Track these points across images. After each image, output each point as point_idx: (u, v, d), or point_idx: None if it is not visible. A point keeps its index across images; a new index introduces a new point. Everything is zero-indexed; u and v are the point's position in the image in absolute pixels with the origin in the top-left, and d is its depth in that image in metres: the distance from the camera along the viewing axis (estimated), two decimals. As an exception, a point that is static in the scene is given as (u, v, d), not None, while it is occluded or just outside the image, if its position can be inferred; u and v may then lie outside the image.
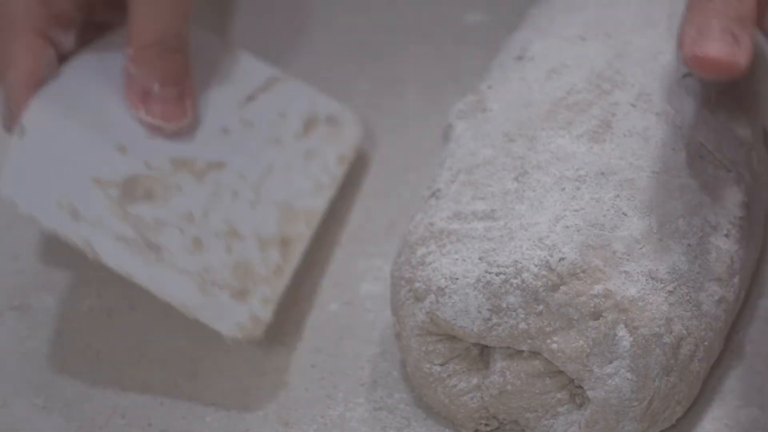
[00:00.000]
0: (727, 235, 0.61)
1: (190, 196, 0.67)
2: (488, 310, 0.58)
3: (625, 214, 0.59)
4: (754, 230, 0.64)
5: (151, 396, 0.64)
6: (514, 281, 0.57)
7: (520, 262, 0.58)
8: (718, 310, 0.60)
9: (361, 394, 0.63)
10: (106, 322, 0.68)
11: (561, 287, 0.57)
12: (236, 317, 0.63)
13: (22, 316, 0.69)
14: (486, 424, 0.61)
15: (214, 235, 0.66)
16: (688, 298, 0.58)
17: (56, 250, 0.72)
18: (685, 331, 0.58)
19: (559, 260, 0.57)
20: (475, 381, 0.60)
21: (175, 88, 0.69)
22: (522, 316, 0.57)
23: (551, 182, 0.60)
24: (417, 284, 0.60)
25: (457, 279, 0.58)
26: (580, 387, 0.58)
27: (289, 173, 0.71)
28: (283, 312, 0.68)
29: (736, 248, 0.61)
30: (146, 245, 0.64)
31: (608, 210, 0.59)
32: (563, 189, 0.60)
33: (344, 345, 0.66)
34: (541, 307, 0.57)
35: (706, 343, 0.59)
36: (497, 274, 0.58)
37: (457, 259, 0.59)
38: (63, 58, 0.68)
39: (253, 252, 0.66)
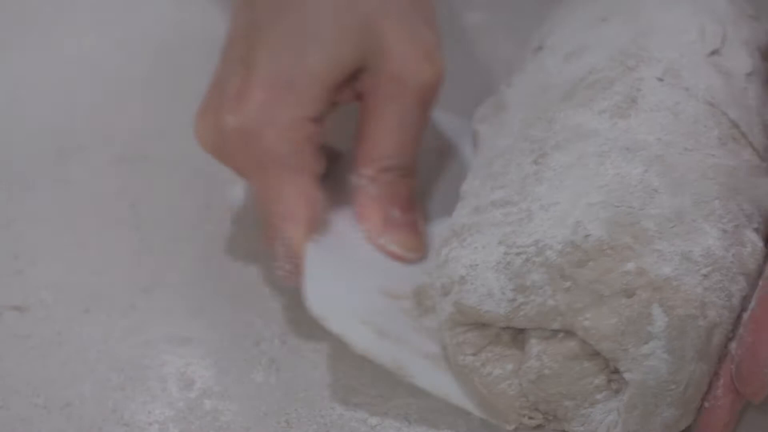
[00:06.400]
0: (757, 230, 0.57)
1: None
2: (512, 290, 0.56)
3: (656, 191, 0.56)
4: None
5: (150, 396, 0.64)
6: (537, 260, 0.55)
7: (542, 241, 0.56)
8: (739, 309, 0.56)
9: (361, 394, 0.63)
10: (106, 322, 0.68)
11: (589, 263, 0.55)
12: None
13: (22, 316, 0.69)
14: (530, 417, 0.58)
15: None
16: (722, 285, 0.55)
17: (56, 250, 0.72)
18: (718, 319, 0.54)
19: (585, 237, 0.55)
20: (510, 367, 0.58)
21: (413, 215, 0.66)
22: (549, 292, 0.55)
23: (572, 161, 0.57)
24: (443, 280, 0.59)
25: (477, 265, 0.57)
26: (617, 372, 0.56)
27: None
28: (284, 312, 0.68)
29: (762, 246, 0.57)
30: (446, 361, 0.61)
31: (636, 186, 0.56)
32: (585, 165, 0.57)
33: (344, 345, 0.66)
34: (568, 284, 0.55)
35: (729, 337, 0.56)
36: (517, 254, 0.56)
37: (476, 248, 0.58)
38: None
39: None
